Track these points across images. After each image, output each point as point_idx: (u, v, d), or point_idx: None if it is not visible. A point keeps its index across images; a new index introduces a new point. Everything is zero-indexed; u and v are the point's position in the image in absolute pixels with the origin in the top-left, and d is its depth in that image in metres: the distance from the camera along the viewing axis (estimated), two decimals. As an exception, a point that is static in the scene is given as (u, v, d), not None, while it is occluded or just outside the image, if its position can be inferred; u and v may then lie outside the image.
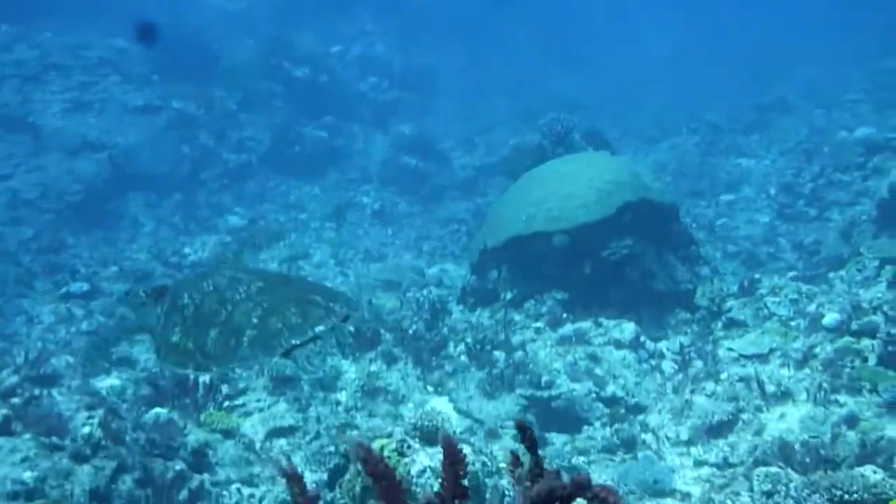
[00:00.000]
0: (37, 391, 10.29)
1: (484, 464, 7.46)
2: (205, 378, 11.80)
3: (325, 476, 8.65)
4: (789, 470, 8.96)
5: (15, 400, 10.17)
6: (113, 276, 15.99)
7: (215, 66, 27.41)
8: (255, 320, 5.93)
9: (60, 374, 12.21)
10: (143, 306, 6.60)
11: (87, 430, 8.47)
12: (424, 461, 7.19)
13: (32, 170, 22.38)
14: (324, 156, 25.71)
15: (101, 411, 9.43)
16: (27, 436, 8.58)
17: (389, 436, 7.48)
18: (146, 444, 9.03)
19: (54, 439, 8.42)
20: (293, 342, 5.84)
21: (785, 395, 10.80)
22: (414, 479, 7.07)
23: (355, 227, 22.14)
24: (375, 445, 7.33)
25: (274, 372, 11.95)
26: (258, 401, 11.69)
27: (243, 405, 11.57)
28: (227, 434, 10.44)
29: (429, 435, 7.56)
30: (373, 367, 12.33)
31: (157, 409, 10.49)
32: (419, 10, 35.43)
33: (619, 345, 12.27)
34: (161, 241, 19.72)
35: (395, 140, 25.97)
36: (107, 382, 12.14)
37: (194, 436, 10.08)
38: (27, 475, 7.82)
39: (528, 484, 2.64)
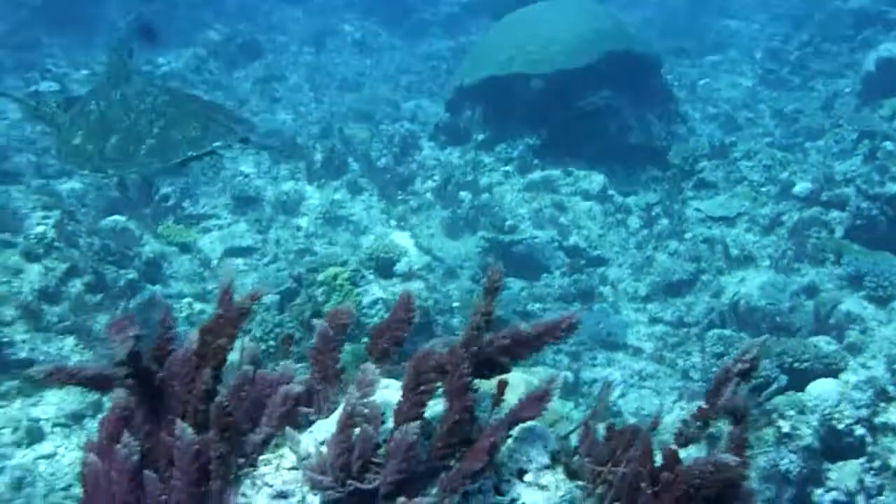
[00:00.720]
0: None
1: (437, 301, 7.41)
2: (166, 189, 11.69)
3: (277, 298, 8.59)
4: (743, 334, 9.02)
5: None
6: (83, 79, 15.60)
7: None
8: (156, 130, 6.49)
9: (21, 171, 12.01)
10: (54, 115, 7.00)
11: (40, 229, 8.35)
12: (377, 293, 7.13)
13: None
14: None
15: (57, 212, 9.32)
16: (-23, 229, 8.48)
17: (344, 264, 7.40)
18: (100, 251, 8.92)
19: (7, 235, 8.31)
20: (190, 154, 6.39)
21: (748, 260, 10.81)
22: (365, 310, 7.03)
23: (334, 55, 21.70)
24: (329, 273, 7.26)
25: (237, 191, 11.83)
26: (218, 218, 11.59)
27: (201, 221, 11.48)
28: (184, 248, 10.34)
29: (384, 267, 7.49)
30: (337, 196, 12.20)
31: (116, 217, 10.36)
32: None
33: (586, 195, 12.18)
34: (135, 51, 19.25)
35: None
36: (68, 185, 11.93)
37: (150, 247, 9.98)
38: (-25, 272, 7.74)
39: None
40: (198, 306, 9.22)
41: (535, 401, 2.51)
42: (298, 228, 11.55)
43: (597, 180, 12.32)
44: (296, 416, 2.71)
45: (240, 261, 10.86)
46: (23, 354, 7.09)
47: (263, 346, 6.88)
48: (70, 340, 7.56)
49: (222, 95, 16.32)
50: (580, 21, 13.38)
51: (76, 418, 6.89)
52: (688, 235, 11.38)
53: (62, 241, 8.44)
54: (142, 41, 17.93)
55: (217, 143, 6.50)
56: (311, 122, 15.75)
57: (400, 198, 12.39)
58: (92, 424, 6.90)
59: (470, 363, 2.48)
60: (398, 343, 2.89)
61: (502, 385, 2.53)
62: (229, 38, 18.25)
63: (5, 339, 7.07)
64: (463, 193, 12.21)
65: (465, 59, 15.09)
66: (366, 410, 2.38)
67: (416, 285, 7.35)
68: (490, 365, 2.65)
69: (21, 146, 13.14)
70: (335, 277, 7.13)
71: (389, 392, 2.63)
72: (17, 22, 20.52)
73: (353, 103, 16.98)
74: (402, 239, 11.42)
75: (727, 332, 9.12)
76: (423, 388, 2.45)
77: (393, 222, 11.99)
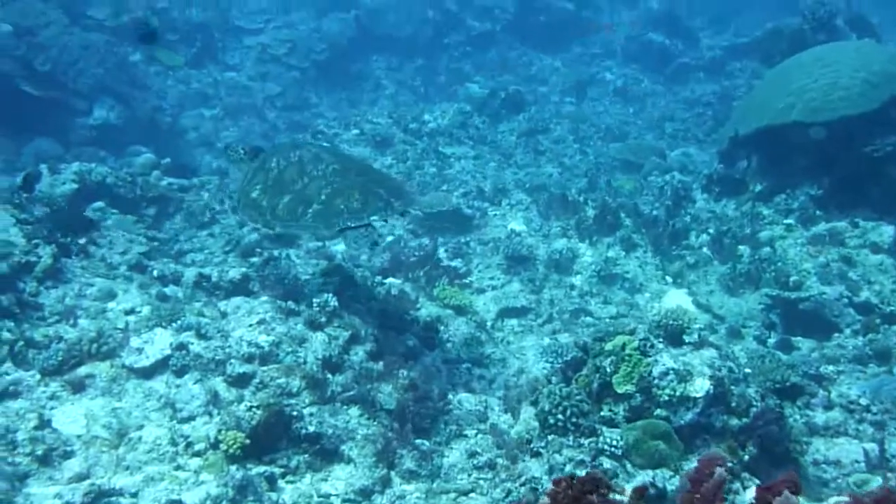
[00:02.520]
0: (275, 252, 10.42)
1: (730, 370, 7.02)
2: (440, 251, 11.75)
3: (557, 365, 8.33)
4: None
5: (254, 259, 10.33)
6: (353, 138, 15.99)
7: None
8: (323, 197, 7.54)
9: (299, 235, 12.34)
10: (241, 161, 8.52)
11: (323, 296, 8.43)
12: (668, 363, 6.81)
13: (282, 26, 22.73)
14: (568, 28, 24.99)
15: (338, 277, 9.41)
16: (264, 298, 8.63)
17: (632, 333, 7.11)
18: (379, 316, 8.95)
19: (290, 304, 8.43)
20: (349, 224, 7.40)
21: None
22: (656, 381, 6.72)
23: (596, 104, 21.56)
24: (616, 342, 7.00)
25: (509, 251, 11.76)
26: (492, 278, 11.54)
27: (475, 282, 11.45)
28: (460, 310, 10.28)
29: (673, 335, 7.16)
30: (610, 253, 11.93)
31: (391, 280, 10.43)
32: None
33: (876, 248, 11.41)
34: (401, 106, 19.68)
35: (643, 16, 25.02)
36: (340, 247, 12.17)
37: (426, 310, 9.97)
38: (263, 339, 7.85)
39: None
40: (476, 371, 9.11)
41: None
42: (572, 287, 11.34)
43: (887, 231, 11.54)
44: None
45: (514, 321, 10.75)
46: (311, 428, 7.11)
47: (552, 420, 6.67)
48: (355, 411, 7.57)
49: (487, 150, 16.40)
50: (862, 64, 12.65)
51: (365, 494, 6.85)
52: None
53: (343, 309, 8.50)
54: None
55: (374, 217, 7.45)
56: (578, 175, 15.58)
57: (675, 253, 12.01)
58: (380, 500, 6.85)
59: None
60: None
61: None
62: (493, 92, 18.34)
63: (294, 413, 7.12)
64: (741, 247, 11.72)
65: (738, 107, 14.61)
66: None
67: (708, 353, 6.97)
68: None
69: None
70: (623, 346, 6.87)
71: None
72: (288, 83, 21.36)
73: (619, 153, 16.72)
74: (680, 297, 11.05)
75: None
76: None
77: (669, 279, 11.63)
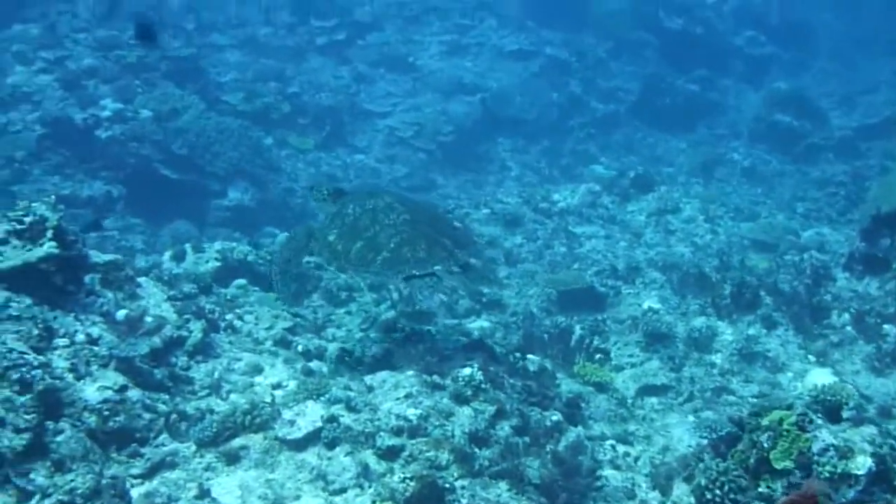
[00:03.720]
0: (416, 328, 10.48)
1: (892, 447, 6.80)
2: (578, 328, 11.70)
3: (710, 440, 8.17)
4: None
5: (395, 335, 10.40)
6: (484, 217, 16.11)
7: (587, 13, 27.23)
8: (392, 245, 8.15)
9: (433, 311, 12.44)
10: (324, 201, 9.17)
11: (467, 371, 8.46)
12: (828, 439, 6.64)
13: (409, 109, 23.12)
14: (693, 109, 24.97)
15: (480, 353, 9.45)
16: (410, 372, 8.69)
17: (789, 408, 6.96)
18: (522, 391, 8.93)
19: (435, 378, 8.47)
20: (414, 272, 8.06)
21: None
22: (815, 457, 6.55)
23: (723, 184, 21.38)
24: (773, 417, 6.85)
25: (648, 328, 11.66)
26: (630, 356, 11.44)
27: (613, 359, 11.35)
28: (600, 387, 10.20)
29: (831, 411, 6.99)
30: (751, 331, 11.73)
31: (531, 356, 10.39)
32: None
33: None
34: (526, 186, 19.78)
35: (769, 96, 24.79)
36: (477, 324, 12.22)
37: (567, 386, 9.91)
38: (411, 412, 7.89)
39: None
40: (621, 448, 9.00)
41: None
42: (712, 365, 11.17)
43: None
44: None
45: (654, 399, 10.61)
46: (464, 501, 7.09)
47: (709, 495, 6.55)
48: (504, 485, 7.51)
49: (617, 229, 16.36)
50: None
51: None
52: None
53: (488, 383, 8.51)
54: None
55: (437, 267, 8.09)
56: (710, 254, 15.41)
57: (817, 332, 11.75)
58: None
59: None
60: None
61: None
62: (621, 172, 18.35)
63: (446, 486, 7.10)
64: (887, 326, 11.40)
65: (877, 185, 14.34)
66: None
67: (867, 430, 6.79)
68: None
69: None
70: (781, 421, 6.72)
71: None
72: (415, 165, 21.66)
73: (751, 233, 16.51)
74: (824, 376, 10.77)
75: None
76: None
77: (812, 358, 11.36)
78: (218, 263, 11.83)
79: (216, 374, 8.86)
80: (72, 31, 22.55)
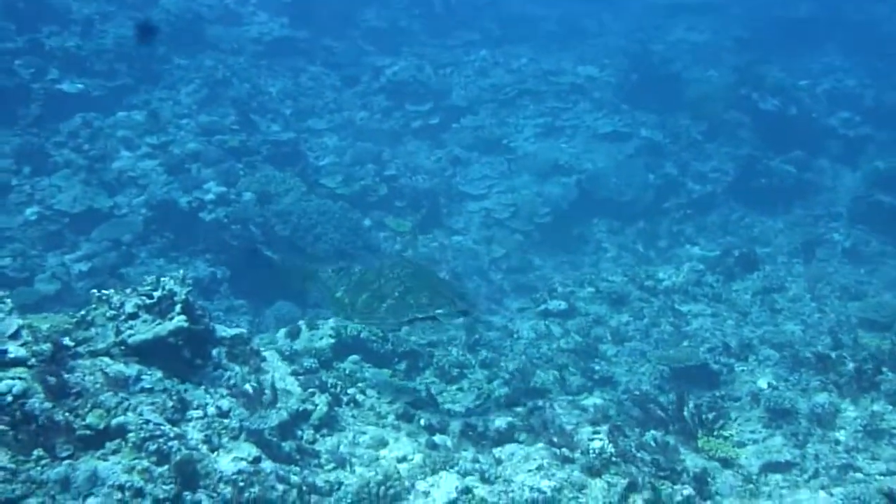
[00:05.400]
0: (539, 402, 10.42)
1: None
2: (696, 402, 11.54)
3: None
4: None
5: (518, 409, 10.36)
6: (589, 296, 16.08)
7: (681, 95, 27.31)
8: (396, 293, 8.79)
9: (548, 388, 12.41)
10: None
11: (597, 444, 8.40)
12: None
13: (505, 191, 23.26)
14: (789, 190, 24.73)
15: (605, 426, 9.36)
16: (539, 444, 8.65)
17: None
18: (651, 465, 8.82)
19: (565, 451, 8.42)
20: (417, 316, 8.62)
21: None
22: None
23: (825, 265, 21.09)
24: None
25: (770, 403, 11.47)
26: (752, 432, 11.24)
27: (735, 435, 11.15)
28: (725, 463, 10.03)
29: None
30: (875, 407, 11.46)
31: (653, 432, 10.26)
32: (890, 47, 33.71)
33: None
34: (623, 268, 19.71)
35: (868, 177, 24.50)
36: (590, 401, 12.14)
37: (691, 461, 9.75)
38: (545, 484, 7.84)
39: None
40: (754, 525, 8.83)
41: None
42: (837, 442, 10.92)
43: None
44: None
45: (778, 476, 10.39)
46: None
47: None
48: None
49: (724, 308, 16.20)
50: None
51: None
52: None
53: (619, 457, 8.44)
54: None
55: (439, 311, 8.63)
56: (822, 332, 15.18)
57: (943, 410, 11.46)
58: None
59: None
60: None
61: None
62: (726, 251, 18.24)
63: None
64: None
65: None
66: None
67: None
68: None
69: (544, 363, 13.67)
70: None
71: None
72: (512, 246, 21.71)
73: (860, 312, 16.26)
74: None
75: None
76: None
77: (940, 435, 11.08)
78: (332, 340, 11.93)
79: (342, 448, 8.89)
80: (174, 117, 23.21)
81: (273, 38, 29.77)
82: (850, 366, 12.00)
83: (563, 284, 16.88)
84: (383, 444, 9.16)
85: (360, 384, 10.32)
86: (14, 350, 7.65)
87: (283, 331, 12.40)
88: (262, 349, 10.10)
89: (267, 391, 9.00)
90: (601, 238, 22.77)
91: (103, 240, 18.41)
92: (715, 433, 10.57)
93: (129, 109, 23.29)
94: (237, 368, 9.23)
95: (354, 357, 11.64)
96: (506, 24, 35.05)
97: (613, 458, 8.32)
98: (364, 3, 32.77)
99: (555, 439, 8.82)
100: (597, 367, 13.55)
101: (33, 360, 7.67)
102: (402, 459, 8.89)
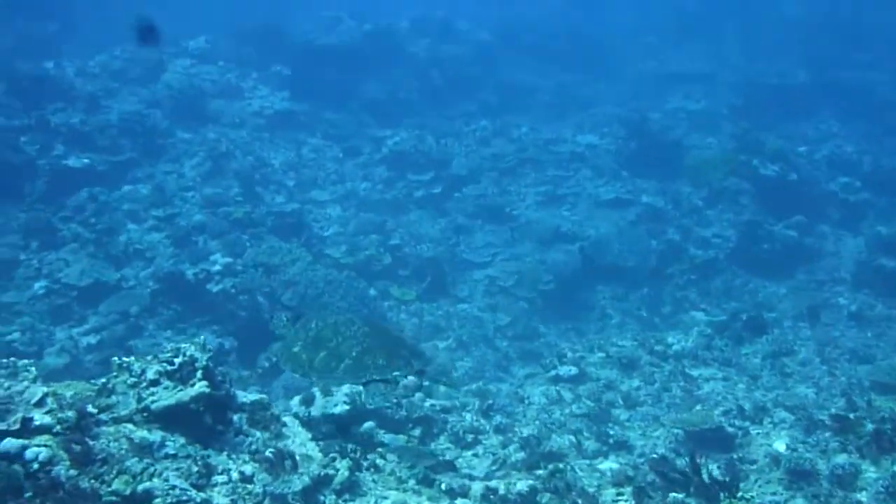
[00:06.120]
0: (560, 465, 10.36)
1: None
2: (712, 467, 11.47)
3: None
4: None
5: (539, 472, 10.30)
6: (599, 361, 16.06)
7: (680, 162, 27.44)
8: (353, 353, 8.80)
9: (564, 452, 12.35)
10: (284, 328, 9.64)
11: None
12: None
13: (509, 258, 23.28)
14: (792, 255, 24.76)
15: (629, 488, 9.31)
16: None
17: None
18: (677, 527, 8.76)
19: (587, 510, 8.36)
20: (374, 377, 8.69)
21: None
22: None
23: (830, 329, 21.09)
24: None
25: (791, 465, 11.41)
26: (773, 493, 11.16)
27: (756, 497, 11.07)
28: (750, 524, 9.95)
29: None
30: (896, 468, 11.43)
31: (674, 494, 10.18)
32: (886, 113, 34.09)
33: None
34: (632, 333, 19.70)
35: (870, 241, 24.62)
36: (605, 465, 12.07)
37: (712, 524, 9.68)
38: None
39: None
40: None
41: None
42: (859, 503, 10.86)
43: None
44: None
45: (806, 539, 10.33)
46: None
47: None
48: None
49: (734, 371, 16.18)
50: None
51: None
52: None
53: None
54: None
55: (396, 373, 8.71)
56: (834, 395, 15.15)
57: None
58: None
59: None
60: None
61: None
62: (734, 315, 18.26)
63: None
64: None
65: None
66: None
67: None
68: None
69: (558, 429, 13.63)
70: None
71: None
72: (517, 314, 21.68)
73: (871, 375, 16.25)
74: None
75: None
76: None
77: (962, 496, 11.00)
78: (347, 407, 11.87)
79: (364, 513, 8.83)
80: (179, 190, 23.29)
81: (274, 111, 30.04)
82: (870, 427, 11.95)
83: (572, 350, 16.84)
84: (405, 509, 9.09)
85: (379, 449, 10.26)
86: (39, 417, 7.62)
87: (297, 398, 12.35)
88: (281, 415, 10.05)
89: (287, 457, 8.94)
90: (605, 304, 22.73)
91: (111, 312, 18.40)
92: (738, 495, 10.48)
93: (134, 183, 23.43)
94: (258, 434, 9.20)
95: (370, 423, 11.57)
96: (503, 95, 35.38)
97: (640, 523, 8.26)
98: (363, 76, 33.12)
99: (579, 501, 8.74)
100: (611, 432, 13.48)
101: (58, 427, 7.65)
102: (425, 524, 8.83)
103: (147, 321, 18.40)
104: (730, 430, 13.14)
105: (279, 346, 9.58)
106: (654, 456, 12.31)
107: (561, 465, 10.21)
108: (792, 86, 35.16)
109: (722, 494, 10.35)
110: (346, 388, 12.35)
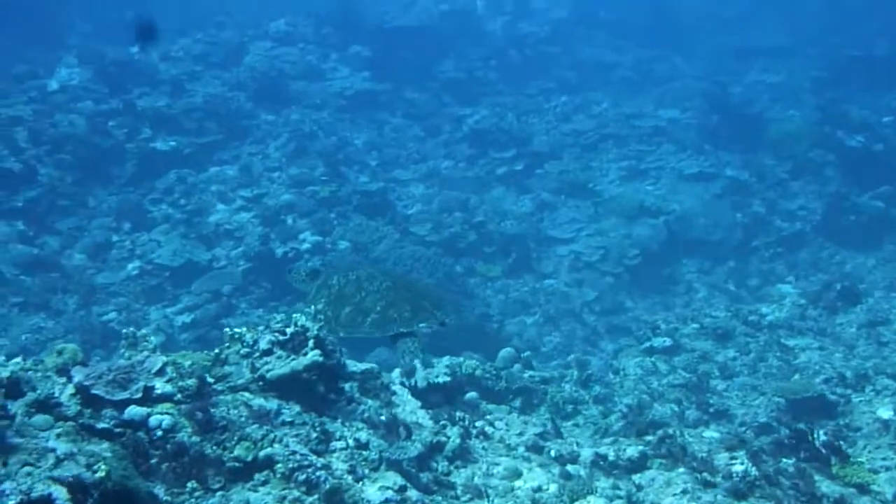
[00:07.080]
0: (669, 431, 10.38)
1: None
2: (821, 432, 11.41)
3: None
4: None
5: (648, 437, 10.33)
6: (694, 332, 16.00)
7: (763, 135, 27.22)
8: (378, 308, 9.13)
9: (667, 421, 12.35)
10: (303, 282, 10.07)
11: (740, 467, 8.36)
12: None
13: (593, 234, 23.24)
14: (880, 226, 24.45)
15: (742, 451, 9.32)
16: (681, 469, 8.62)
17: None
18: (791, 489, 8.75)
19: (706, 475, 8.39)
20: (401, 330, 9.02)
21: None
22: None
23: (924, 297, 20.83)
24: None
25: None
26: (883, 459, 11.07)
27: (866, 462, 11.00)
28: (861, 489, 9.89)
29: None
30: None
31: (785, 459, 10.18)
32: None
33: None
34: (720, 305, 19.61)
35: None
36: (708, 434, 12.05)
37: (827, 487, 9.64)
38: (698, 507, 7.83)
39: None
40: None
41: None
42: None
43: None
44: None
45: (917, 502, 10.23)
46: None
47: None
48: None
49: (829, 341, 16.03)
50: None
51: None
52: None
53: (762, 480, 8.39)
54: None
55: (421, 325, 9.04)
56: (933, 365, 14.98)
57: None
58: None
59: None
60: None
61: None
62: (827, 285, 18.06)
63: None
64: None
65: None
66: None
67: None
68: None
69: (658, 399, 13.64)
70: None
71: None
72: (603, 289, 21.63)
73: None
74: None
75: None
76: None
77: None
78: (448, 378, 11.99)
79: (476, 480, 8.92)
80: (265, 171, 23.57)
81: (355, 91, 30.31)
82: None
83: (665, 321, 16.79)
84: (517, 474, 9.18)
85: (489, 416, 10.37)
86: (161, 386, 7.81)
87: (397, 371, 12.48)
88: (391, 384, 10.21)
89: (400, 424, 9.08)
90: (691, 279, 22.68)
91: (203, 292, 18.74)
92: (850, 460, 10.44)
93: (221, 165, 23.79)
94: (370, 402, 9.32)
95: (473, 393, 11.69)
96: (581, 72, 35.25)
97: (757, 482, 8.26)
98: (441, 55, 33.19)
99: (694, 464, 8.78)
100: (711, 401, 13.47)
101: (179, 395, 7.83)
102: (538, 489, 8.90)
103: (239, 300, 18.75)
104: (832, 397, 13.04)
105: (302, 305, 9.82)
106: (757, 423, 12.31)
107: (671, 431, 10.23)
108: (874, 57, 34.60)
109: (833, 459, 10.33)
110: (446, 360, 12.49)
